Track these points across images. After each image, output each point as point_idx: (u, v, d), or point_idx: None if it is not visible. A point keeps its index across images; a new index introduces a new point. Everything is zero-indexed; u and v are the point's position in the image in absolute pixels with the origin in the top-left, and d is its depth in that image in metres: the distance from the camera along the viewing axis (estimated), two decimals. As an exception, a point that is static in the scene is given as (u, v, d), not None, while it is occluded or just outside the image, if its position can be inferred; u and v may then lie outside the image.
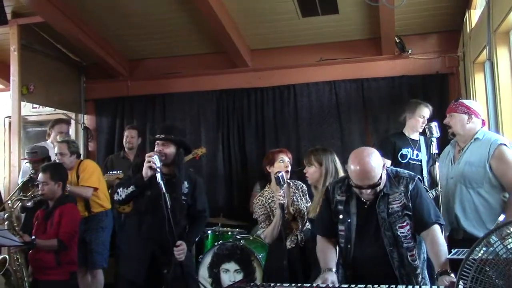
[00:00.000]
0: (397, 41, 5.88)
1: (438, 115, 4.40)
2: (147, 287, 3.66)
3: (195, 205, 3.84)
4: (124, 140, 5.90)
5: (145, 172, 3.56)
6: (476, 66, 4.96)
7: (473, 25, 5.08)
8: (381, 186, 2.69)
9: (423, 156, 4.64)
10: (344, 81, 6.27)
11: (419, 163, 4.63)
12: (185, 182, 3.78)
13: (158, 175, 3.48)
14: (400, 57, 6.09)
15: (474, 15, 5.12)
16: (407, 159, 4.60)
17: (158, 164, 3.51)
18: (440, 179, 3.60)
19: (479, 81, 4.93)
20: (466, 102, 3.60)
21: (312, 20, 5.74)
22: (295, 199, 3.89)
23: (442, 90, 5.95)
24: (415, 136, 4.74)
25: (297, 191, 3.95)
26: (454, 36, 5.87)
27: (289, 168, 3.90)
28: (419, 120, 4.67)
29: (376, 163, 2.64)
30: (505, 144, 3.38)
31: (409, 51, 6.02)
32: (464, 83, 5.61)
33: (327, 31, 6.02)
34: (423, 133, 4.58)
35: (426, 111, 4.69)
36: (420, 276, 2.72)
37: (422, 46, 6.08)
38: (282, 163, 3.90)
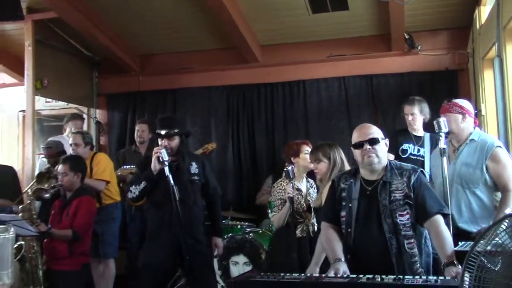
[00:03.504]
0: (407, 37, 5.89)
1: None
2: (172, 274, 3.80)
3: (208, 183, 4.01)
4: (135, 134, 5.98)
5: (154, 165, 3.67)
6: (486, 63, 4.96)
7: (482, 21, 5.09)
8: (381, 156, 2.83)
9: (426, 152, 4.69)
10: (354, 77, 6.30)
11: (421, 158, 4.69)
12: (193, 163, 3.92)
13: (166, 169, 3.59)
14: (410, 53, 6.10)
15: (484, 11, 5.12)
16: (408, 154, 4.71)
17: (166, 158, 3.62)
18: (434, 177, 3.69)
19: (488, 78, 4.94)
20: (459, 102, 3.67)
21: (322, 16, 5.77)
22: (311, 193, 4.04)
23: (452, 87, 5.97)
24: (419, 132, 4.81)
25: (312, 187, 4.10)
26: (464, 32, 5.87)
27: (294, 169, 3.99)
28: (406, 118, 4.82)
29: (377, 128, 2.91)
30: (500, 146, 3.51)
31: (419, 48, 6.03)
32: (473, 80, 5.62)
33: (337, 27, 6.06)
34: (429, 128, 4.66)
35: (407, 108, 4.80)
36: (418, 265, 2.74)
37: (432, 43, 6.09)
38: (307, 155, 4.01)
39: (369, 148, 2.81)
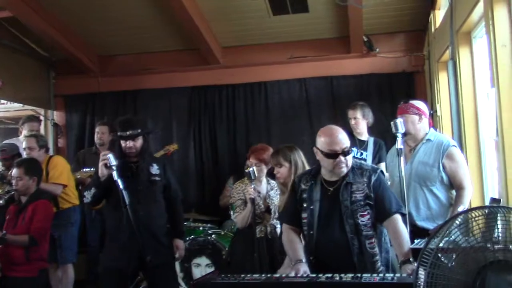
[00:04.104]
0: (365, 40, 6.02)
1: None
2: (133, 276, 3.75)
3: (169, 185, 3.96)
4: (95, 137, 5.88)
5: (101, 171, 3.60)
6: (440, 65, 5.10)
7: (437, 25, 5.23)
8: (350, 165, 2.84)
9: (368, 155, 4.84)
10: (314, 78, 6.39)
11: (363, 161, 4.81)
12: (154, 165, 3.88)
13: (114, 173, 3.52)
14: (368, 55, 6.23)
15: (438, 15, 5.27)
16: None
17: (114, 162, 3.54)
18: (390, 176, 3.79)
19: (443, 79, 5.07)
20: (415, 103, 3.78)
21: (283, 18, 5.82)
22: (271, 194, 4.03)
23: (409, 88, 6.14)
24: (363, 136, 4.93)
25: (272, 189, 4.10)
26: (420, 35, 6.05)
27: (255, 171, 3.91)
28: (349, 122, 4.93)
29: (344, 134, 2.89)
30: (455, 146, 3.66)
31: (377, 50, 6.17)
32: (429, 81, 5.78)
33: (298, 30, 6.12)
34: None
35: (350, 112, 4.93)
36: (379, 264, 2.81)
37: (389, 45, 6.23)
38: (251, 168, 4.02)
39: (344, 160, 2.81)
